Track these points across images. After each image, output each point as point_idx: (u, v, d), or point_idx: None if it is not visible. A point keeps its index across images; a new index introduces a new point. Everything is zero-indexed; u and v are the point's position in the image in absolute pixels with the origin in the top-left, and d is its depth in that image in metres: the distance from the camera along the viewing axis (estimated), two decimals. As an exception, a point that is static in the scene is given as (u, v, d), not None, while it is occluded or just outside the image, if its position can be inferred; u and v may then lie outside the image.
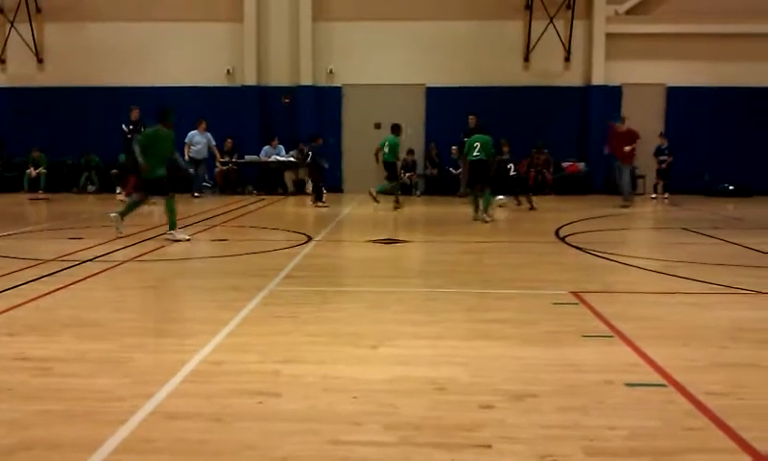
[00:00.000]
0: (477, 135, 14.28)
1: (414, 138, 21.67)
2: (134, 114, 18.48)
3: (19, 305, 6.45)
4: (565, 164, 21.62)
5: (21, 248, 10.20)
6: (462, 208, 13.69)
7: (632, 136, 17.57)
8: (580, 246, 10.48)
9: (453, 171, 21.03)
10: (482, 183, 14.14)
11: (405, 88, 21.77)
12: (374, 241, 11.00)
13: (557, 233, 11.93)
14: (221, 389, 4.28)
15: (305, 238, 11.14)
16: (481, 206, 13.98)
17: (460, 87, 21.21)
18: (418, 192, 21.42)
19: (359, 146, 21.49)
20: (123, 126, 18.61)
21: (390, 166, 16.82)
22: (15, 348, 5.15)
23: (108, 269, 8.44)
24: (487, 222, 13.60)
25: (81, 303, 6.68)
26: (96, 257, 9.19)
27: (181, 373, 4.56)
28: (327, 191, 18.07)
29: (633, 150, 17.54)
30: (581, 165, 21.66)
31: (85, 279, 7.80)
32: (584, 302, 6.71)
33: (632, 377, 4.51)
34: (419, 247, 10.96)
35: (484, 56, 21.46)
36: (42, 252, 9.64)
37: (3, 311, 6.22)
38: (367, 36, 21.58)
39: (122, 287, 7.55)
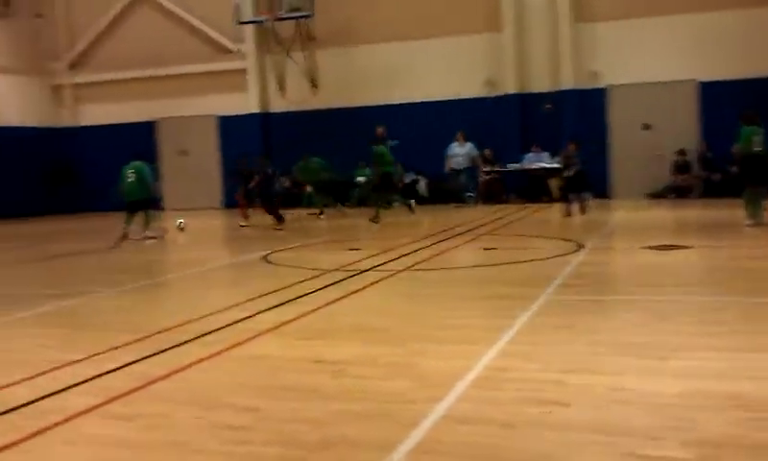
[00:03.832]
0: (756, 127, 12.38)
1: (685, 137, 20.42)
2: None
3: (310, 312, 6.92)
4: None
5: (306, 259, 11.00)
6: (740, 212, 12.49)
7: None
8: None
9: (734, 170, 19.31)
10: (760, 183, 12.34)
11: (674, 85, 20.53)
12: (651, 248, 10.45)
13: None
14: (507, 396, 4.29)
15: (576, 246, 10.86)
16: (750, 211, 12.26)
17: (734, 80, 19.57)
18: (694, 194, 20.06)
19: (627, 149, 20.66)
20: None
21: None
22: (311, 351, 5.53)
23: (386, 278, 8.83)
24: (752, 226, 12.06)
25: (363, 310, 7.06)
26: (374, 267, 9.66)
27: (467, 378, 4.62)
28: (594, 197, 17.56)
29: None
30: None
31: (366, 287, 8.22)
32: None
33: None
34: (701, 253, 10.29)
35: (758, 45, 19.65)
36: (325, 262, 10.31)
37: (296, 318, 6.71)
38: (630, 33, 20.61)
39: (400, 294, 7.87)
